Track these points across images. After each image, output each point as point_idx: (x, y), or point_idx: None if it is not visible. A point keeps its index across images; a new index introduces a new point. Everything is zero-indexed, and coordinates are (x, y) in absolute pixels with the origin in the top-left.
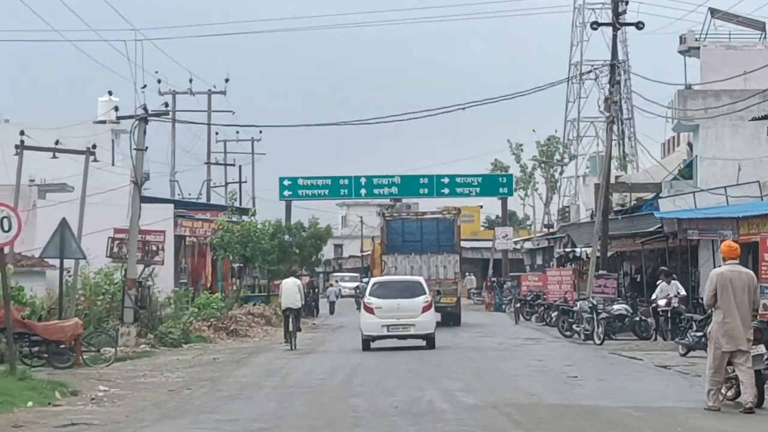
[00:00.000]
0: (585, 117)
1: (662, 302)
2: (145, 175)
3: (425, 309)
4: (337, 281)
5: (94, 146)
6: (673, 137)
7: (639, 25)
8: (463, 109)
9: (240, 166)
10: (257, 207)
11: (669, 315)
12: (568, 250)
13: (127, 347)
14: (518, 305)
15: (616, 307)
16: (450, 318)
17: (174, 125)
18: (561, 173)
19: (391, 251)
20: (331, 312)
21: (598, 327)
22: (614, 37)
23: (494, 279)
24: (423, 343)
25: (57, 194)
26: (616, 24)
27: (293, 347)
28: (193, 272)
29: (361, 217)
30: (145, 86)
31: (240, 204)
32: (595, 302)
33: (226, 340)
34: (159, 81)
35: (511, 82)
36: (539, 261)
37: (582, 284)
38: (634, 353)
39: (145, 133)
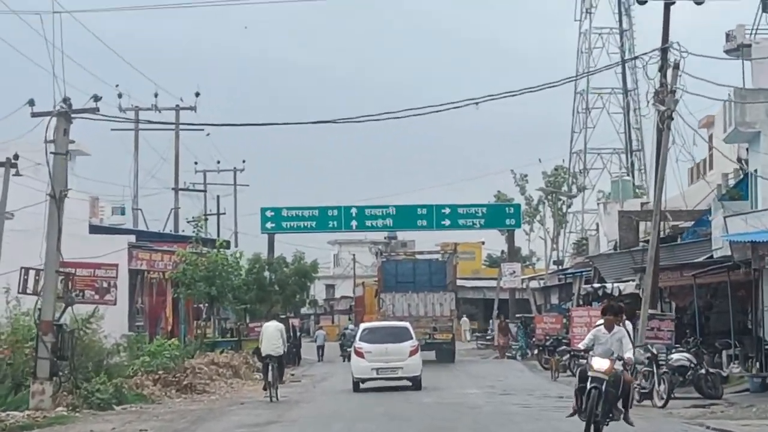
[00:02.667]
0: (592, 148)
1: None
2: (66, 190)
3: (412, 353)
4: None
5: (16, 156)
6: (704, 160)
7: (698, 0)
8: (477, 104)
9: (218, 196)
10: (240, 243)
11: None
12: (596, 285)
13: (40, 410)
14: (536, 352)
15: (675, 356)
16: (444, 354)
17: (137, 145)
18: (569, 206)
19: (388, 290)
20: (320, 358)
21: (659, 384)
22: (666, 12)
23: (507, 319)
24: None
25: None
26: None
27: (274, 399)
28: (151, 313)
29: (354, 255)
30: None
31: (218, 237)
32: (655, 351)
33: (175, 398)
34: (120, 95)
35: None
36: (554, 300)
37: None
38: (722, 422)
39: (66, 133)
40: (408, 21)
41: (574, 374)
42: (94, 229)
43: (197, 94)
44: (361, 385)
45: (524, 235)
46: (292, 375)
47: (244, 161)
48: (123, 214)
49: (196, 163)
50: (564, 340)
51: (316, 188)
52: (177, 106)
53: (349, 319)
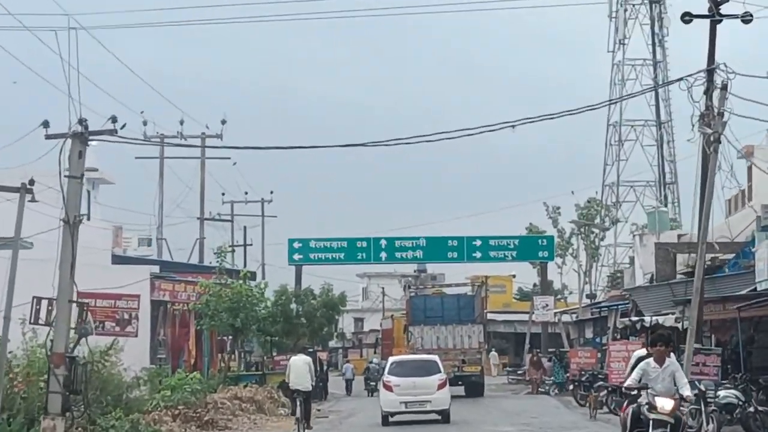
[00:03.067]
0: (624, 181)
1: None
2: (82, 215)
3: (440, 386)
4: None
5: (32, 182)
6: (743, 191)
7: (746, 18)
8: (513, 127)
9: (245, 227)
10: (267, 275)
11: None
12: (634, 319)
13: None
14: (570, 387)
15: (722, 393)
16: (473, 387)
17: (162, 173)
18: (602, 239)
19: (416, 323)
20: (348, 392)
21: (707, 422)
22: (712, 30)
23: (540, 353)
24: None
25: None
26: (716, 14)
27: None
28: (174, 346)
29: (383, 288)
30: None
31: (244, 268)
32: (703, 387)
33: None
34: (145, 123)
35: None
36: (588, 334)
37: None
38: None
39: (81, 156)
40: (436, 53)
41: (612, 411)
42: (117, 260)
43: (224, 122)
44: (390, 419)
45: (556, 268)
46: (319, 410)
47: (271, 192)
48: (149, 245)
49: (223, 194)
50: (600, 376)
51: (345, 219)
52: (203, 133)
53: (375, 353)
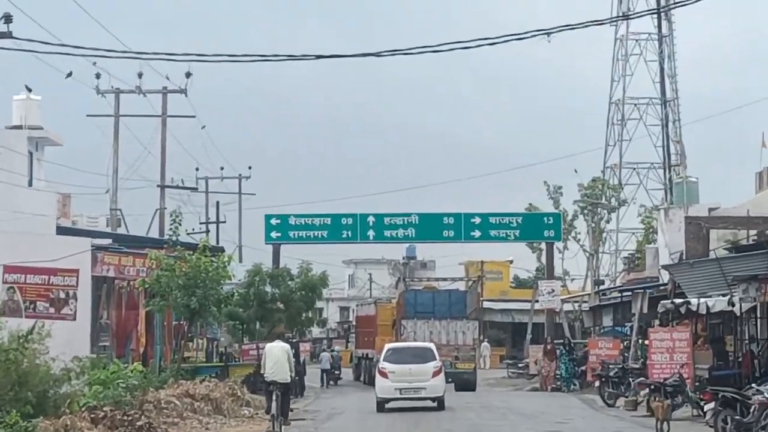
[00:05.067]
0: (627, 163)
1: None
2: None
3: (435, 374)
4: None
5: None
6: None
7: None
8: (548, 35)
9: (218, 202)
10: (245, 258)
11: None
12: (678, 301)
13: None
14: (596, 384)
15: None
16: (465, 384)
17: (117, 133)
18: (608, 221)
19: (409, 317)
20: (324, 384)
21: None
22: None
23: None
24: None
25: None
26: None
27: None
28: (120, 331)
29: (371, 274)
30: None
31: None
32: None
33: None
34: (98, 75)
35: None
36: (606, 321)
37: (702, 354)
38: None
39: None
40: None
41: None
42: (63, 232)
43: (188, 75)
44: (386, 406)
45: (557, 253)
46: (292, 410)
47: (250, 168)
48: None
49: (197, 168)
50: (634, 370)
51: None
52: (164, 87)
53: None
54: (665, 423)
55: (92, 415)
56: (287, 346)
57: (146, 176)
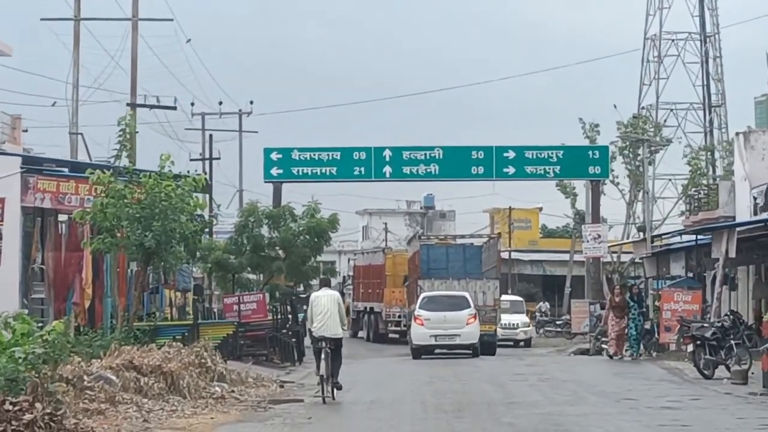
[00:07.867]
0: (664, 102)
1: None
2: None
3: (470, 321)
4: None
5: None
6: None
7: None
8: None
9: (211, 135)
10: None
11: None
12: None
13: None
14: (691, 348)
15: None
16: (486, 347)
17: (78, 40)
18: (650, 163)
19: (427, 277)
20: None
21: None
22: None
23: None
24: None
25: None
26: None
27: (328, 397)
28: (58, 279)
29: (386, 224)
30: None
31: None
32: None
33: None
34: None
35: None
36: (676, 270)
37: None
38: None
39: None
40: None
41: None
42: None
43: None
44: (422, 354)
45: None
46: (282, 387)
47: (251, 102)
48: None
49: (192, 104)
50: (737, 331)
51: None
52: None
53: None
54: None
55: None
56: (336, 294)
57: (120, 102)
